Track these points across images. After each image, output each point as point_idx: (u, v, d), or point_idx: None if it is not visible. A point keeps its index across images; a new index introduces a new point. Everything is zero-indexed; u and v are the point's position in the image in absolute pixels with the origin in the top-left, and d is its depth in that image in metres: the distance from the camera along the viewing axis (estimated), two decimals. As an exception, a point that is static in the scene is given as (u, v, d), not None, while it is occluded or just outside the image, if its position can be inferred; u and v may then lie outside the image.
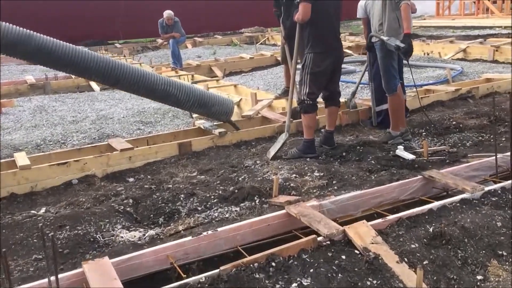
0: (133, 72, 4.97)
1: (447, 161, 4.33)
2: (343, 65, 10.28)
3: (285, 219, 3.31)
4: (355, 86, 6.45)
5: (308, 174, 4.23)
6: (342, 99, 5.47)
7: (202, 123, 5.71)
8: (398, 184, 3.73)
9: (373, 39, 4.81)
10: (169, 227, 3.55)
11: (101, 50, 15.81)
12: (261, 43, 17.27)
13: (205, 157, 5.11)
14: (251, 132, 5.52)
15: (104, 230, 3.49)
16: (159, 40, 12.94)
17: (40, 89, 10.14)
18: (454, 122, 5.67)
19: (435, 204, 3.31)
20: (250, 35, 18.99)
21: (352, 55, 12.81)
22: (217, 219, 3.61)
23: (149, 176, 4.69)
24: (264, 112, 6.08)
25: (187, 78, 9.99)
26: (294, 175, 4.23)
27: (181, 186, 4.31)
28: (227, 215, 3.65)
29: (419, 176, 3.84)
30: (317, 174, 4.22)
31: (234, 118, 7.23)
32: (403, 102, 5.05)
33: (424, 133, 5.49)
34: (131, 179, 4.69)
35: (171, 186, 4.35)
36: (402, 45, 4.38)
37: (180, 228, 3.48)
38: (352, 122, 6.03)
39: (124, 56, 14.88)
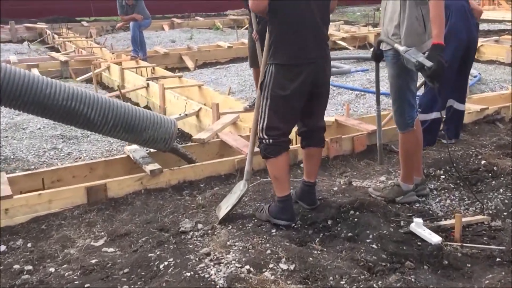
0: (15, 79, 3.29)
1: (495, 254, 2.72)
2: (334, 63, 8.63)
3: None
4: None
5: (270, 266, 2.60)
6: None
7: (133, 150, 4.04)
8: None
9: (384, 46, 3.14)
10: None
11: (63, 28, 13.94)
12: (246, 28, 15.45)
13: (126, 208, 3.46)
14: (200, 169, 3.86)
15: None
16: (118, 24, 11.12)
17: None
18: (483, 161, 4.06)
19: None
20: (235, 19, 17.16)
21: (348, 49, 11.15)
22: None
23: (30, 244, 3.04)
24: (224, 135, 4.42)
25: (146, 71, 8.25)
26: (248, 266, 2.60)
27: (69, 271, 2.68)
28: None
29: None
30: (284, 267, 2.59)
31: (194, 133, 5.62)
32: (421, 142, 3.40)
33: (444, 177, 3.88)
34: (1, 248, 3.03)
35: (53, 269, 2.72)
36: (428, 63, 2.69)
37: None
38: (344, 154, 4.41)
39: (86, 37, 13.03)
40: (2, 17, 15.42)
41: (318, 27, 2.90)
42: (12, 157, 4.37)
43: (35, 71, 8.60)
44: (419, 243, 2.82)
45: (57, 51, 11.89)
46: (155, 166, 3.69)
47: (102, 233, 3.14)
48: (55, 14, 15.83)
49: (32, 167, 4.29)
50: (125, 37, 13.13)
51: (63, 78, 8.82)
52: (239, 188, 3.27)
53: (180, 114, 5.42)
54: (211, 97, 6.25)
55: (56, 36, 12.76)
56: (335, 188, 3.66)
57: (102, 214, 3.37)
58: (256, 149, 3.31)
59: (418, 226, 2.87)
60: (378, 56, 3.27)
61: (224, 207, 3.25)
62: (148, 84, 6.81)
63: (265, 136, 3.00)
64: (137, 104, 7.22)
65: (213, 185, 3.82)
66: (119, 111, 3.70)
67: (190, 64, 9.78)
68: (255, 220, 3.12)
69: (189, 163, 4.05)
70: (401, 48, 2.88)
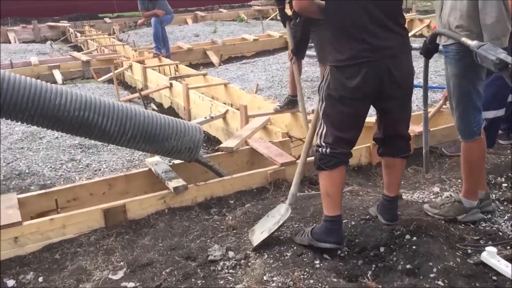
0: (20, 88, 2.94)
1: None
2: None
3: None
4: None
5: (315, 309, 2.19)
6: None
7: (155, 162, 3.66)
8: None
9: (444, 40, 2.65)
10: None
11: (86, 25, 13.74)
12: (271, 19, 14.96)
13: (148, 231, 3.09)
14: (229, 183, 3.46)
15: None
16: (139, 20, 10.77)
17: (-10, 79, 8.14)
18: (552, 166, 3.54)
19: None
20: (259, 9, 16.65)
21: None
22: None
23: (41, 278, 2.70)
24: (255, 142, 3.99)
25: (170, 69, 7.89)
26: (288, 309, 2.19)
27: (82, 314, 2.33)
28: None
29: None
30: (334, 311, 2.17)
31: (221, 137, 5.23)
32: (484, 153, 2.91)
33: (506, 186, 3.38)
34: (10, 283, 2.70)
35: (66, 312, 2.37)
36: None
37: None
38: (389, 159, 3.92)
39: (109, 34, 12.77)
40: (26, 16, 15.34)
41: (380, 18, 2.41)
42: (27, 171, 4.06)
43: (56, 73, 8.38)
44: (494, 277, 2.35)
45: (80, 49, 11.68)
46: (179, 182, 3.30)
47: (122, 263, 2.77)
48: (78, 12, 15.63)
49: (48, 182, 3.98)
50: (148, 32, 12.81)
51: (85, 78, 8.56)
52: (279, 212, 2.85)
53: (205, 117, 5.03)
54: (238, 96, 5.84)
55: (78, 34, 12.55)
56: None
57: (121, 239, 3.00)
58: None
59: (491, 256, 2.40)
60: (430, 51, 2.77)
61: (259, 232, 2.83)
62: (171, 84, 6.45)
63: (323, 144, 2.58)
64: (161, 105, 6.88)
65: (244, 201, 3.42)
66: (138, 119, 3.32)
67: (214, 59, 9.38)
68: (295, 247, 2.70)
69: (217, 175, 3.66)
70: (472, 42, 2.37)
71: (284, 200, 3.29)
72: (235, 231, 3.02)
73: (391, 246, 2.62)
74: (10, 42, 13.05)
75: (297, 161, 3.60)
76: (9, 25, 14.75)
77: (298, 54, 4.40)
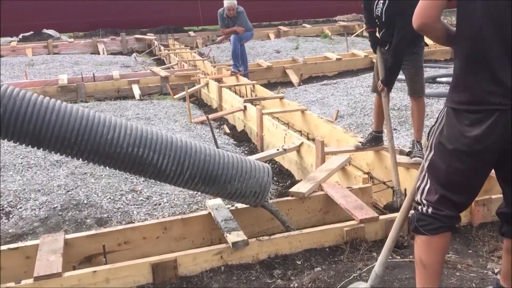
0: (70, 120, 2.67)
1: None
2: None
3: None
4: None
5: None
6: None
7: (215, 206, 3.26)
8: None
9: None
10: None
11: (170, 39, 13.93)
12: (357, 35, 14.28)
13: (200, 293, 2.67)
14: (298, 240, 2.96)
15: None
16: (219, 37, 10.62)
17: (73, 92, 8.32)
18: None
19: None
20: (344, 25, 16.03)
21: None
22: None
23: None
24: (330, 188, 3.46)
25: (246, 89, 7.56)
26: None
27: None
28: None
29: None
30: None
31: (294, 171, 4.75)
32: None
33: None
34: None
35: None
36: None
37: None
38: (494, 221, 3.23)
39: (192, 48, 12.81)
40: (118, 28, 15.94)
41: None
42: (85, 201, 3.84)
43: (135, 87, 8.38)
44: None
45: (163, 63, 11.79)
46: (239, 236, 2.86)
47: (165, 333, 2.38)
48: (165, 24, 15.96)
49: (105, 215, 3.72)
50: (229, 47, 12.68)
51: (162, 94, 8.49)
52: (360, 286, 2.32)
53: (277, 149, 4.59)
54: (316, 125, 5.33)
55: (162, 48, 12.72)
56: (488, 284, 2.53)
57: (169, 301, 2.61)
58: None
59: None
60: None
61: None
62: (245, 107, 6.09)
63: (424, 201, 2.06)
64: (234, 127, 6.55)
65: (314, 262, 2.90)
66: (198, 158, 2.94)
67: (294, 79, 8.94)
68: None
69: (283, 226, 3.18)
70: None
71: (361, 267, 2.75)
72: (301, 303, 2.52)
73: None
74: (99, 53, 13.55)
75: (380, 217, 3.05)
76: (100, 37, 15.38)
77: (390, 84, 3.82)
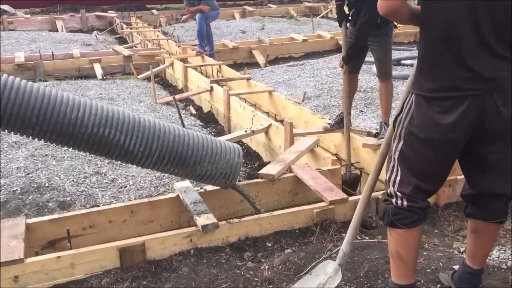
0: (30, 100, 2.52)
1: None
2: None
3: None
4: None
5: None
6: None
7: (184, 189, 3.19)
8: None
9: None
10: None
11: (132, 16, 13.52)
12: (322, 16, 14.28)
13: (170, 276, 2.62)
14: (268, 222, 2.94)
15: None
16: (184, 16, 10.38)
17: (31, 70, 7.95)
18: None
19: None
20: (310, 6, 16.00)
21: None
22: None
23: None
24: (300, 170, 3.45)
25: (212, 69, 7.44)
26: None
27: None
28: None
29: None
30: None
31: (262, 153, 4.73)
32: None
33: None
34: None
35: None
36: None
37: None
38: (459, 201, 3.30)
39: (155, 27, 12.49)
40: (77, 4, 15.31)
41: (489, 38, 1.82)
42: (47, 184, 3.69)
43: (97, 67, 8.11)
44: None
45: (125, 42, 11.45)
46: (209, 219, 2.81)
47: (134, 319, 2.32)
48: (127, 2, 15.47)
49: (68, 198, 3.59)
50: (194, 27, 12.42)
51: (125, 74, 8.25)
52: (325, 271, 2.32)
53: (245, 131, 4.54)
54: (283, 106, 5.30)
55: (124, 26, 12.34)
56: (454, 264, 2.59)
57: (137, 286, 2.54)
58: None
59: None
60: None
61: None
62: (212, 88, 5.98)
63: (397, 194, 2.03)
64: (200, 108, 6.44)
65: (284, 244, 2.89)
66: (167, 139, 2.85)
67: (260, 60, 8.86)
68: (345, 323, 2.16)
69: (253, 209, 3.16)
70: None
71: (331, 248, 2.76)
72: (271, 286, 2.51)
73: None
74: (57, 31, 13.01)
75: (349, 198, 3.06)
76: (58, 13, 14.75)
77: (350, 62, 3.82)
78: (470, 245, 2.21)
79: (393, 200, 2.04)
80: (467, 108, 1.85)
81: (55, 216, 2.98)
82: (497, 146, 1.96)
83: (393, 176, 2.05)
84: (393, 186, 2.05)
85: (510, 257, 2.71)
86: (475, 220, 2.13)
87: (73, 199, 3.58)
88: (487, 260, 2.69)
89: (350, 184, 3.80)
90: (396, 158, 2.04)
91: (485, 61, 1.83)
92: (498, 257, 2.72)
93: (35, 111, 2.54)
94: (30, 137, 2.65)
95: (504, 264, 2.63)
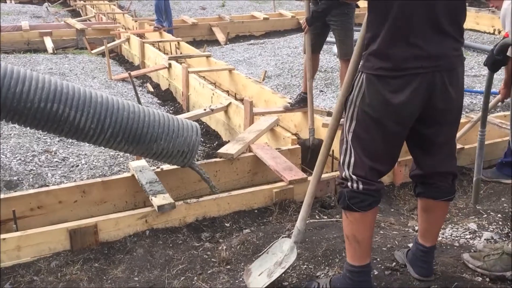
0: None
1: None
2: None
3: None
4: None
5: None
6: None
7: (139, 168, 3.07)
8: None
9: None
10: None
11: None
12: (283, -4, 14.12)
13: (123, 258, 2.53)
14: (226, 202, 2.88)
15: None
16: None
17: (-26, 42, 7.49)
18: None
19: None
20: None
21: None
22: None
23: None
24: (259, 149, 3.40)
25: (170, 46, 7.23)
26: None
27: None
28: None
29: None
30: None
31: (221, 132, 4.65)
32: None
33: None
34: None
35: None
36: None
37: None
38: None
39: (110, 0, 12.01)
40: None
41: (437, 17, 1.81)
42: (-11, 164, 3.48)
43: (47, 40, 7.73)
44: None
45: (78, 15, 10.97)
46: (165, 199, 2.72)
47: (85, 302, 2.22)
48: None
49: (15, 178, 3.40)
50: (152, 1, 12.05)
51: (78, 48, 7.91)
52: (281, 249, 2.29)
53: (205, 109, 4.43)
54: (244, 85, 5.22)
55: (77, -3, 11.82)
56: (409, 242, 2.62)
57: (89, 268, 2.44)
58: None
59: None
60: (497, 64, 2.17)
61: (256, 273, 2.28)
62: (170, 65, 5.81)
63: (353, 176, 1.98)
64: (158, 86, 6.26)
65: (242, 224, 2.85)
66: (121, 115, 2.72)
67: (221, 37, 8.70)
68: (303, 303, 2.14)
69: (209, 187, 3.08)
70: None
71: (290, 228, 2.73)
72: (228, 266, 2.47)
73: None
74: (5, 1, 12.31)
75: (308, 178, 3.04)
76: (6, -17, 13.93)
77: (313, 23, 3.78)
78: (421, 223, 2.23)
79: (349, 184, 2.01)
80: (417, 86, 1.84)
81: (1, 196, 2.80)
82: (443, 127, 1.97)
83: (347, 159, 2.01)
84: (348, 169, 2.01)
85: (462, 235, 2.77)
86: (425, 199, 2.15)
87: (20, 179, 3.39)
88: (440, 238, 2.75)
89: (314, 149, 3.70)
90: (349, 140, 1.99)
91: (434, 39, 1.82)
92: (451, 235, 2.78)
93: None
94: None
95: (456, 241, 2.69)
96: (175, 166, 3.11)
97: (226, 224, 2.83)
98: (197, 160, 3.54)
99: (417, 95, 1.85)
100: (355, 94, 1.96)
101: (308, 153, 3.67)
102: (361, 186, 1.97)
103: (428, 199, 2.14)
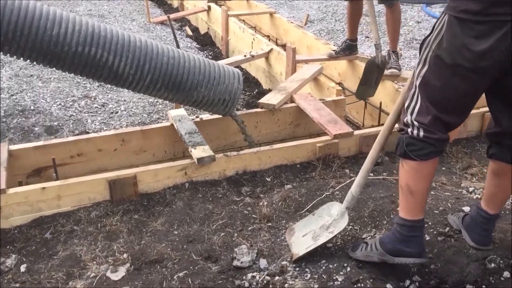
0: (3, 11, 2.25)
1: None
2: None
3: None
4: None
5: None
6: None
7: (178, 117, 2.97)
8: None
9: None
10: None
11: None
12: None
13: (163, 211, 2.48)
14: (267, 155, 2.76)
15: None
16: None
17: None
18: None
19: None
20: None
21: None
22: None
23: (23, 267, 2.16)
24: (302, 100, 3.22)
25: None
26: None
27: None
28: None
29: None
30: None
31: (262, 79, 4.48)
32: None
33: None
34: (-13, 266, 2.18)
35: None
36: None
37: None
38: (469, 136, 3.14)
39: None
40: None
41: None
42: (32, 107, 3.45)
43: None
44: None
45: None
46: (205, 151, 2.63)
47: (125, 254, 2.19)
48: None
49: (56, 123, 3.38)
50: None
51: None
52: (330, 213, 2.17)
53: (245, 55, 4.25)
54: (285, 30, 4.96)
55: None
56: (464, 205, 2.45)
57: (128, 220, 2.41)
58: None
59: None
60: None
61: (300, 234, 2.19)
62: (209, 7, 5.58)
63: (414, 123, 1.83)
64: (196, 29, 6.06)
65: (284, 179, 2.74)
66: (160, 61, 2.60)
67: (261, -22, 8.28)
68: (348, 268, 2.03)
69: (245, 139, 2.96)
70: None
71: (334, 185, 2.61)
72: (269, 224, 2.38)
73: (483, 285, 1.93)
74: None
75: (354, 133, 2.88)
76: None
77: None
78: (488, 187, 2.05)
79: (409, 130, 1.86)
80: (503, 35, 1.61)
81: (41, 143, 2.78)
82: None
83: (412, 104, 1.86)
84: (411, 114, 1.85)
85: (521, 199, 2.58)
86: (498, 161, 1.96)
87: (60, 124, 3.37)
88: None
89: (382, 68, 3.38)
90: (417, 84, 1.83)
91: None
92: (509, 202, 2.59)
93: (10, 26, 2.26)
94: (8, 54, 2.39)
95: (515, 206, 2.50)
96: (214, 116, 3.00)
97: (267, 179, 2.73)
98: (237, 110, 3.42)
99: (500, 45, 1.63)
100: (433, 37, 1.77)
101: (375, 72, 3.32)
102: (421, 133, 1.82)
103: (501, 162, 1.96)
